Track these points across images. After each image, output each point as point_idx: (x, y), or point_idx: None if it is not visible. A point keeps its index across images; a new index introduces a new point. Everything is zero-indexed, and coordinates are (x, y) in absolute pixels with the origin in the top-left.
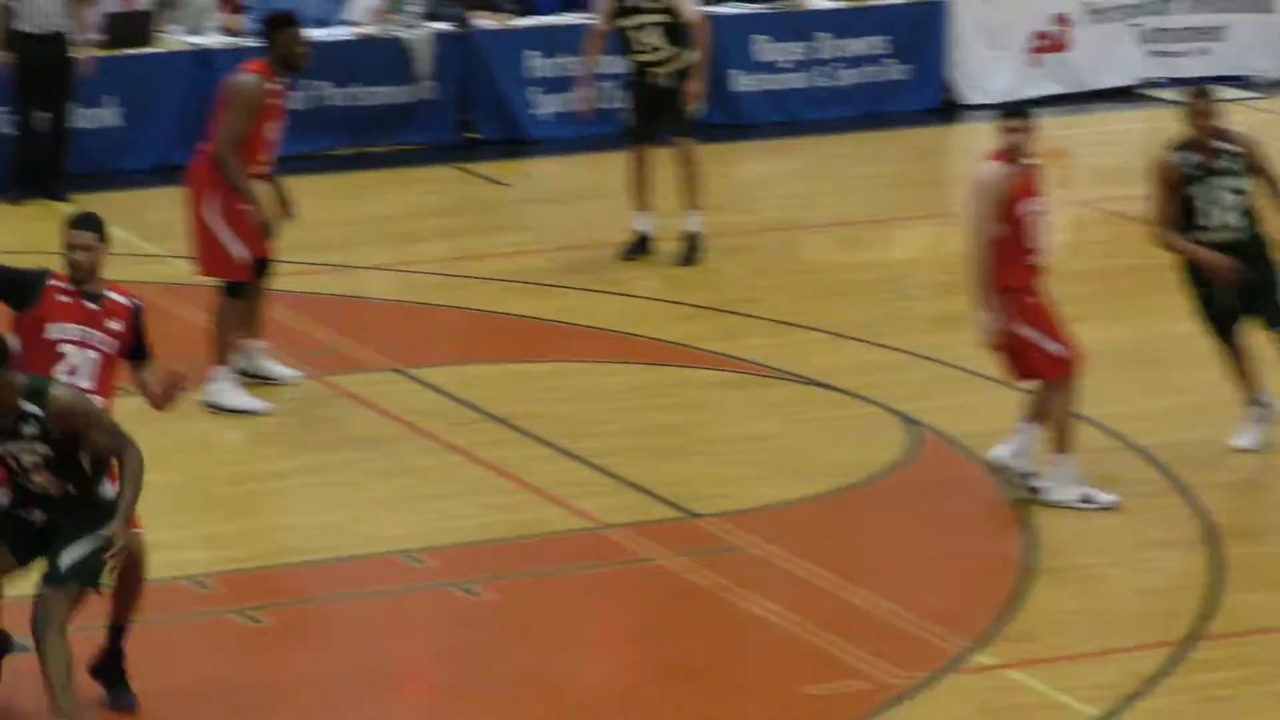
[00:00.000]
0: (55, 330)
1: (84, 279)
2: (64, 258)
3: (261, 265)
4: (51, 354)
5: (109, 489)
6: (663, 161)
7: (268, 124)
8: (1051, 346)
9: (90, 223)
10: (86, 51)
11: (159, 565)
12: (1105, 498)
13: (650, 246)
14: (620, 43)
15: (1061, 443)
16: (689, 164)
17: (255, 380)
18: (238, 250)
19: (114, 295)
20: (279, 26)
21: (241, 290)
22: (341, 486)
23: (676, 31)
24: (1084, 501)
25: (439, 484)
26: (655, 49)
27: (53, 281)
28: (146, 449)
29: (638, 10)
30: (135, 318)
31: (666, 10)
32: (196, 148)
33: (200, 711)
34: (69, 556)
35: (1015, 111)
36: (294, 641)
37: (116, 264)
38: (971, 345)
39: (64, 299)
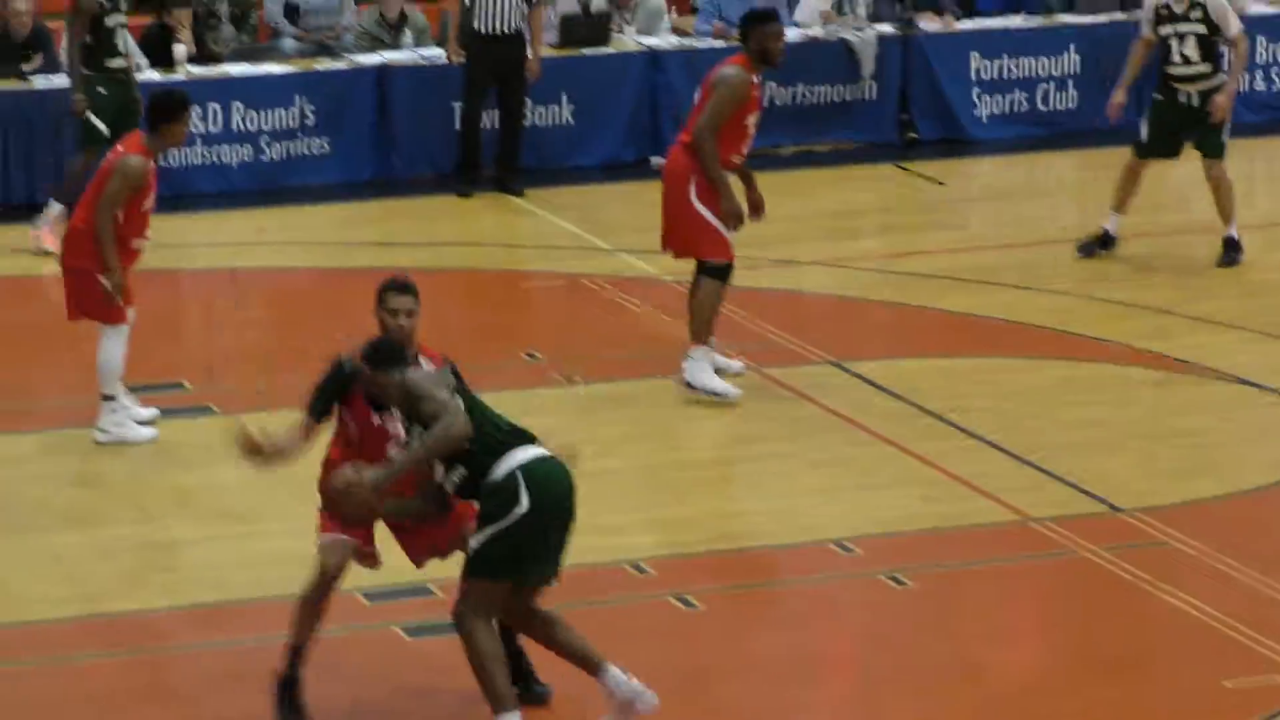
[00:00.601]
0: (378, 417)
1: (404, 343)
2: (382, 321)
3: None
4: (381, 437)
5: (498, 471)
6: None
7: (748, 116)
8: None
9: (408, 288)
10: (537, 54)
11: (603, 549)
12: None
13: (1110, 245)
14: (1156, 51)
15: None
16: (1217, 188)
17: None
18: (721, 233)
19: (427, 359)
20: (758, 22)
21: (724, 272)
22: (780, 476)
23: (1212, 47)
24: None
25: (872, 474)
26: (1189, 62)
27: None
28: (601, 436)
29: (1176, 18)
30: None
31: (1205, 22)
32: (677, 139)
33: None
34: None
35: None
36: (727, 626)
37: (567, 255)
38: None
39: None
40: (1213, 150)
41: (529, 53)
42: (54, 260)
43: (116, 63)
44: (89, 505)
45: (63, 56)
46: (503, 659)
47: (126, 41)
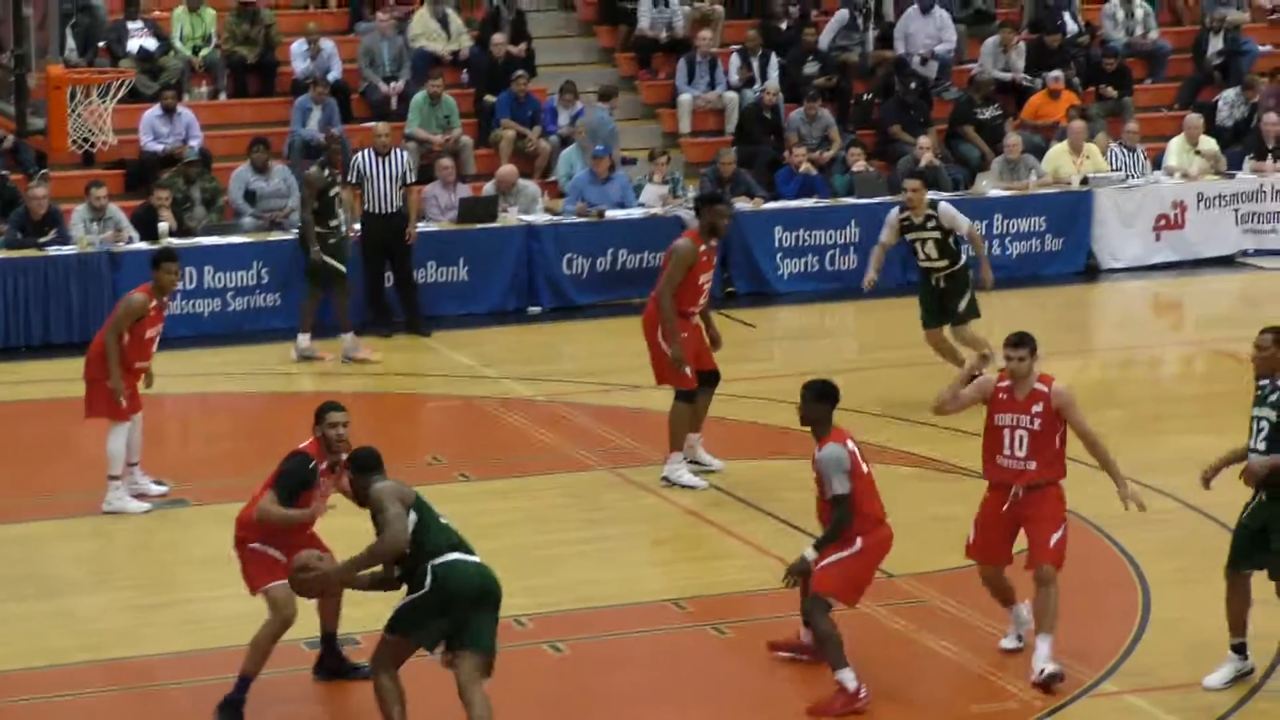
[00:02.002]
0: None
1: (339, 452)
2: (324, 434)
3: (708, 377)
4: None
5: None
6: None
7: (700, 276)
8: None
9: (341, 407)
10: (413, 226)
11: None
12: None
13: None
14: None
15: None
16: (966, 341)
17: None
18: (685, 367)
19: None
20: (708, 203)
21: (688, 396)
22: (628, 550)
23: (947, 244)
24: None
25: (700, 548)
26: (931, 259)
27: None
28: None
29: (915, 228)
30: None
31: (939, 229)
32: (651, 295)
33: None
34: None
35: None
36: (588, 667)
37: (463, 383)
38: None
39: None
40: (960, 319)
41: (409, 226)
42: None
43: (334, 222)
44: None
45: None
46: (397, 695)
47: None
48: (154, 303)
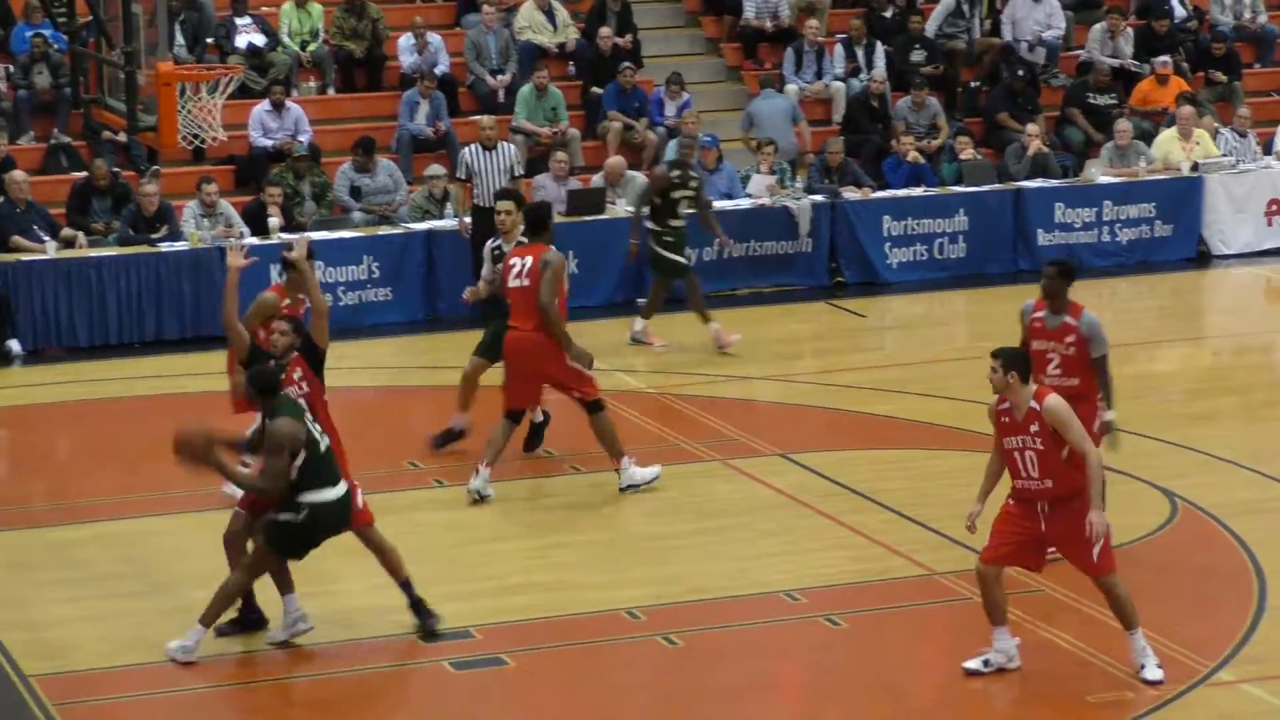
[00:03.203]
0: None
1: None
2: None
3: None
4: None
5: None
6: None
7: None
8: None
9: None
10: None
11: (601, 601)
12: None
13: None
14: None
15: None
16: None
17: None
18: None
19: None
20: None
21: (601, 404)
22: (739, 542)
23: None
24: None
25: (813, 540)
26: None
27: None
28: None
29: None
30: None
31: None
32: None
33: (626, 711)
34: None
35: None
36: (702, 659)
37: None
38: (1214, 438)
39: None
40: None
41: None
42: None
43: (675, 223)
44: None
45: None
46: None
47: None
48: (286, 301)
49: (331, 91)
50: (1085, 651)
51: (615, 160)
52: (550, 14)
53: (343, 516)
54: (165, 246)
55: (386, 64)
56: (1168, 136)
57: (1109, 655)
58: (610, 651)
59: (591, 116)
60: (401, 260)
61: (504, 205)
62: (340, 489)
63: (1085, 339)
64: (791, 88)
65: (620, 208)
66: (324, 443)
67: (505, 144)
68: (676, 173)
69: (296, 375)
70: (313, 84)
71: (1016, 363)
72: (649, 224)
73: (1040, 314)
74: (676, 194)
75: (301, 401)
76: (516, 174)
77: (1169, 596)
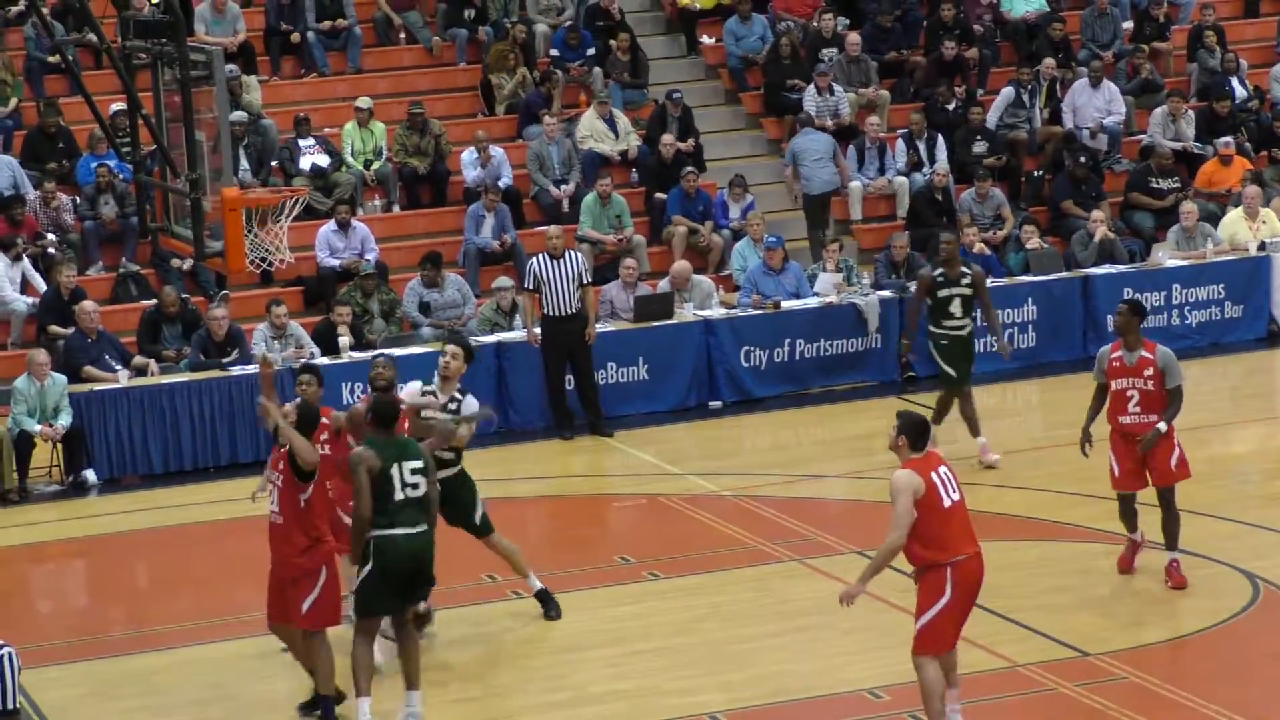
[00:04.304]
0: None
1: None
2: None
3: None
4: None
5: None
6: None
7: None
8: None
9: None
10: (592, 326)
11: (681, 707)
12: None
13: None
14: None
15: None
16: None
17: None
18: None
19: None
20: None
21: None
22: (820, 641)
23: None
24: None
25: (892, 636)
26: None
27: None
28: (679, 619)
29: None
30: None
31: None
32: None
33: None
34: None
35: None
36: None
37: (647, 481)
38: None
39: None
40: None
41: (589, 326)
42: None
43: (949, 324)
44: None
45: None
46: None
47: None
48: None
49: (396, 209)
50: None
51: (681, 265)
52: (611, 122)
53: None
54: (236, 370)
55: (450, 179)
56: (1234, 217)
57: None
58: None
59: (656, 222)
60: (473, 373)
61: (452, 349)
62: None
63: (1162, 371)
64: (855, 184)
65: (688, 311)
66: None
67: (573, 253)
68: (939, 273)
69: (324, 436)
70: (378, 202)
71: (909, 429)
72: (931, 327)
73: (1118, 354)
74: (942, 294)
75: None
76: (585, 281)
77: (1256, 680)
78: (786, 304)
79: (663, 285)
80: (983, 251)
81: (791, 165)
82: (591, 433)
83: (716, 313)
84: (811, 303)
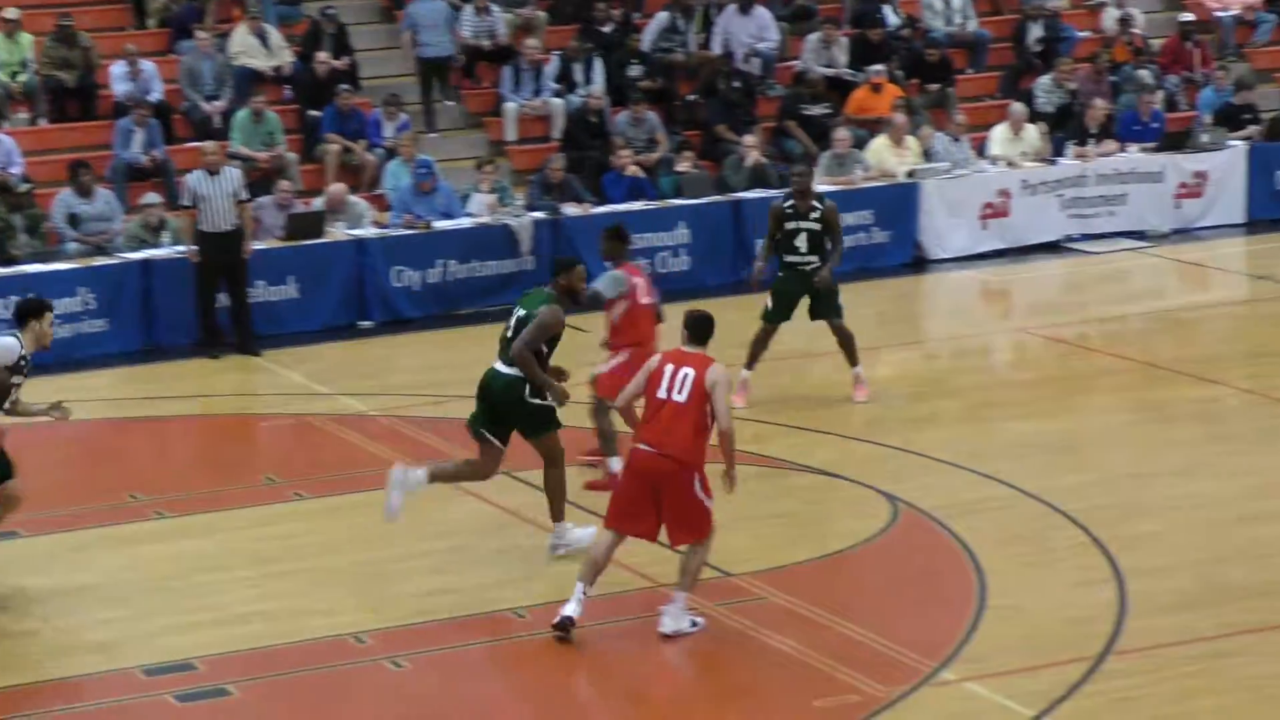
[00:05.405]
0: None
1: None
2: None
3: None
4: None
5: None
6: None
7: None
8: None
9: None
10: (249, 244)
11: (327, 626)
12: (700, 620)
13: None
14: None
15: (690, 585)
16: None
17: None
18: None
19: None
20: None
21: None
22: (463, 564)
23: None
24: (692, 625)
25: (539, 559)
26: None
27: None
28: (323, 540)
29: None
30: None
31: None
32: None
33: None
34: None
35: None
36: (426, 681)
37: (296, 400)
38: (935, 440)
39: None
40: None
41: (245, 242)
42: None
43: (792, 258)
44: None
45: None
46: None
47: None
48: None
49: (44, 122)
50: (808, 656)
51: (337, 186)
52: (264, 38)
53: None
54: None
55: (99, 92)
56: (880, 144)
57: (832, 659)
58: (336, 678)
59: (309, 140)
60: (118, 291)
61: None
62: None
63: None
64: (510, 105)
65: (339, 231)
66: None
67: (229, 168)
68: (790, 203)
69: None
70: (24, 115)
71: (687, 323)
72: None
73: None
74: (789, 226)
75: None
76: (243, 198)
77: (891, 599)
78: (439, 224)
79: (317, 204)
80: (636, 174)
81: (409, 31)
82: (240, 352)
83: (368, 232)
84: (464, 223)
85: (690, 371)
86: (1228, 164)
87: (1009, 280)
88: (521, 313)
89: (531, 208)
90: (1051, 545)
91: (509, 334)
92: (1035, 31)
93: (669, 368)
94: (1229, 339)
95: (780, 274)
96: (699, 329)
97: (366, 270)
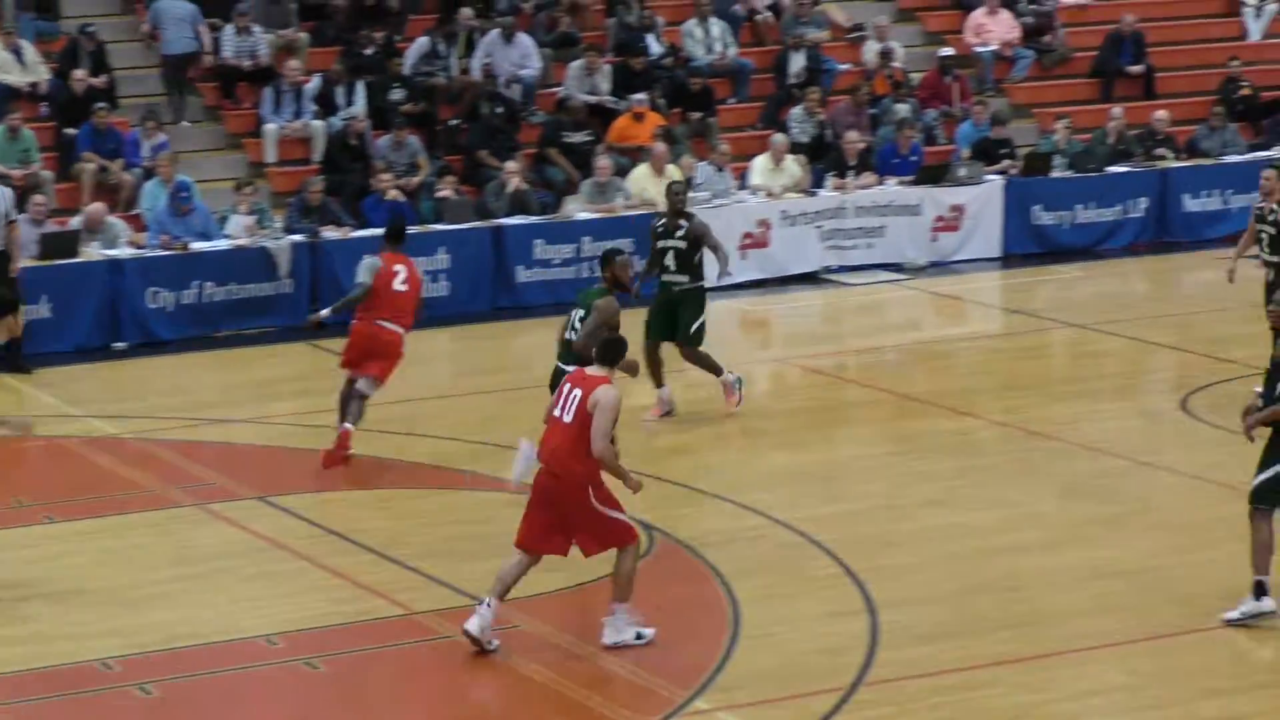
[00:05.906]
0: None
1: None
2: None
3: None
4: None
5: None
6: None
7: None
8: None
9: None
10: (17, 264)
11: (75, 651)
12: (648, 631)
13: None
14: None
15: (624, 593)
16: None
17: None
18: None
19: None
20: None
21: None
22: (219, 590)
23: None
24: (637, 638)
25: (292, 584)
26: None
27: None
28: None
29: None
30: None
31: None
32: None
33: None
34: None
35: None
36: (177, 708)
37: (48, 423)
38: (692, 469)
39: None
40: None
41: (14, 262)
42: None
43: (665, 276)
44: None
45: None
46: None
47: None
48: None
49: None
50: (562, 685)
51: (95, 206)
52: (18, 53)
53: None
54: None
55: None
56: (642, 172)
57: (586, 688)
58: (83, 704)
59: (66, 158)
60: None
61: None
62: None
63: None
64: (270, 127)
65: (94, 251)
66: None
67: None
68: (662, 221)
69: None
70: None
71: (597, 347)
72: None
73: None
74: (660, 244)
75: None
76: (12, 218)
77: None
78: (196, 245)
79: (74, 223)
80: (397, 198)
81: (152, 25)
82: (11, 370)
83: (123, 252)
84: (222, 245)
85: (579, 392)
86: (984, 198)
87: (768, 310)
88: (581, 312)
89: (290, 230)
90: (806, 575)
91: (569, 333)
92: (798, 62)
93: (567, 387)
94: (983, 372)
95: (656, 291)
96: (604, 351)
97: (122, 291)
